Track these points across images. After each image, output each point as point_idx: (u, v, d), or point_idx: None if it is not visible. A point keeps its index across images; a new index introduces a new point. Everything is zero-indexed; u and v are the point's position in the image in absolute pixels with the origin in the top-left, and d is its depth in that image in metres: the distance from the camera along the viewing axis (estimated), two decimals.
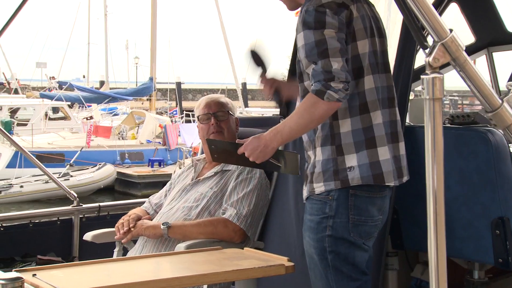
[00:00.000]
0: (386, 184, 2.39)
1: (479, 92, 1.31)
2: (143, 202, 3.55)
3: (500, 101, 1.33)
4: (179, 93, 34.67)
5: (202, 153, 3.51)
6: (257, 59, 2.76)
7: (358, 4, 2.37)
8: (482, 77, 1.31)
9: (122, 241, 3.17)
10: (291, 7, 2.60)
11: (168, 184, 3.54)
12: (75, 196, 4.01)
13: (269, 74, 2.76)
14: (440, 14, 3.81)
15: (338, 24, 2.27)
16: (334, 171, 2.36)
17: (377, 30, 2.43)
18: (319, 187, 2.39)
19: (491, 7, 3.82)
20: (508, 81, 3.88)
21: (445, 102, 28.58)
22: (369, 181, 2.35)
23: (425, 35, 1.34)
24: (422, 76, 1.29)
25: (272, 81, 2.75)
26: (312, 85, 2.26)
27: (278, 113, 3.64)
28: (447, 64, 1.31)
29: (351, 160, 2.36)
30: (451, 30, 1.28)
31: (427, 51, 1.27)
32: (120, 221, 3.19)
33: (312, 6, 2.28)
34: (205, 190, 3.21)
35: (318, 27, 2.26)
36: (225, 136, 3.25)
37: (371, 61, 2.38)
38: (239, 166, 3.21)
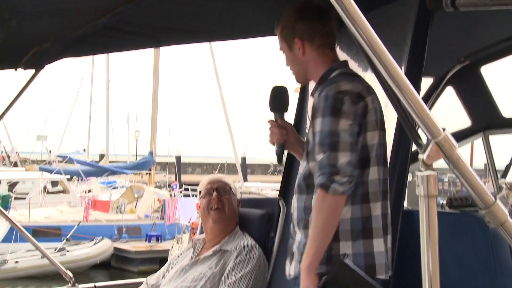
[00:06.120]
0: (377, 277, 2.36)
1: (473, 190, 1.34)
2: (140, 283, 3.52)
3: (493, 199, 1.35)
4: (179, 166, 34.77)
5: (202, 232, 3.51)
6: (279, 99, 2.69)
7: (373, 96, 2.42)
8: (475, 175, 1.34)
9: None
10: (301, 81, 2.67)
11: (166, 264, 3.52)
12: (70, 276, 3.96)
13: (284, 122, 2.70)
14: (437, 97, 3.90)
15: (354, 115, 2.31)
16: (328, 256, 2.34)
17: (381, 123, 2.47)
18: None
19: (485, 93, 3.92)
20: (501, 178, 3.92)
21: (444, 180, 28.60)
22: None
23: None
24: (416, 173, 1.32)
25: (285, 132, 2.70)
26: (318, 177, 2.28)
27: (278, 191, 3.66)
28: None
29: (346, 247, 2.35)
30: (444, 129, 1.32)
31: (421, 149, 1.31)
32: None
33: (332, 92, 2.33)
34: (204, 270, 3.20)
35: (335, 114, 2.29)
36: (225, 212, 3.28)
37: (378, 153, 2.41)
38: (237, 247, 3.21)
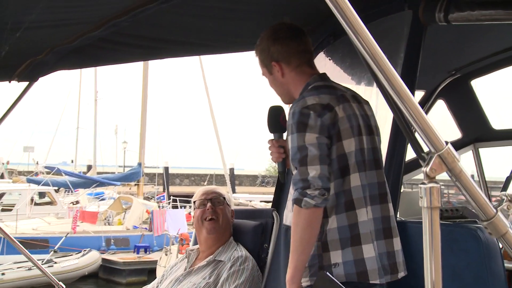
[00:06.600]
0: (371, 282, 2.39)
1: (475, 202, 1.37)
2: None
3: (495, 211, 1.38)
4: (167, 178, 34.68)
5: (196, 243, 3.52)
6: (274, 121, 2.74)
7: (345, 104, 2.44)
8: (477, 187, 1.37)
9: None
10: (287, 102, 2.70)
11: (159, 275, 3.53)
12: None
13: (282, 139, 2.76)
14: (428, 110, 3.95)
15: (320, 127, 2.34)
16: (320, 267, 2.39)
17: (366, 128, 2.49)
18: (305, 281, 2.41)
19: (476, 105, 3.97)
20: (501, 191, 3.99)
21: None
22: (353, 279, 2.37)
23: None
24: (420, 185, 1.35)
25: (283, 150, 2.76)
26: (293, 192, 2.33)
27: (271, 204, 3.67)
28: None
29: (337, 256, 2.39)
30: (446, 142, 1.35)
31: (424, 162, 1.34)
32: None
33: (298, 108, 2.37)
34: (198, 281, 3.21)
35: (301, 129, 2.34)
36: (220, 223, 3.29)
37: (358, 159, 2.43)
38: (231, 257, 3.23)
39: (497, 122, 4.07)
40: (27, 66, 3.45)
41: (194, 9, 3.02)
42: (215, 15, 3.10)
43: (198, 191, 3.47)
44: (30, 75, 3.56)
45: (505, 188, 4.00)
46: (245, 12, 3.13)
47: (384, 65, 1.24)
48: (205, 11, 3.06)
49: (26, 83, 3.64)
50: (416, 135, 1.39)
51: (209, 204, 3.33)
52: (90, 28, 2.98)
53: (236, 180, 44.88)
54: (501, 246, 2.83)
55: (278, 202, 3.60)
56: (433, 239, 1.31)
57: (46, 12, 2.60)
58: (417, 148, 1.36)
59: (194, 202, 3.43)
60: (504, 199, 1.48)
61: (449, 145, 1.32)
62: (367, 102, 2.62)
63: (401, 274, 2.49)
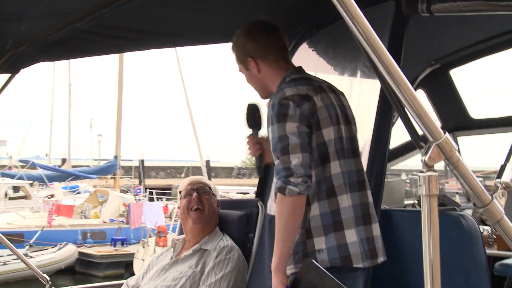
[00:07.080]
0: (354, 266, 2.44)
1: (471, 189, 1.42)
2: (120, 285, 3.54)
3: (490, 198, 1.44)
4: (143, 170, 34.48)
5: (181, 233, 3.54)
6: (251, 118, 2.82)
7: (323, 95, 2.51)
8: (473, 175, 1.42)
9: None
10: (264, 97, 2.74)
11: (145, 265, 3.54)
12: (47, 280, 3.94)
13: (259, 136, 2.86)
14: None
15: (299, 117, 2.39)
16: (304, 254, 2.43)
17: (343, 118, 2.56)
18: (290, 269, 2.45)
19: (455, 95, 4.03)
20: (496, 178, 4.07)
21: (406, 181, 28.90)
22: (337, 263, 2.42)
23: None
24: (419, 174, 1.40)
25: (259, 146, 2.84)
26: (276, 182, 2.38)
27: (255, 194, 3.70)
28: None
29: (320, 243, 2.43)
30: (444, 132, 1.39)
31: (422, 150, 1.39)
32: None
33: (277, 99, 2.42)
34: (185, 270, 3.23)
35: (281, 120, 2.39)
36: (205, 213, 3.31)
37: (337, 147, 2.49)
38: (217, 247, 3.25)
39: (476, 111, 4.14)
40: (8, 58, 3.42)
41: (178, 0, 3.03)
42: (200, 6, 3.11)
43: (184, 181, 3.49)
44: (12, 67, 3.53)
45: (499, 175, 4.09)
46: (230, 4, 3.15)
47: (383, 55, 1.27)
48: (189, 3, 3.07)
49: (8, 75, 3.61)
50: (414, 124, 1.42)
51: (195, 194, 3.35)
52: (73, 20, 2.97)
53: (212, 172, 44.75)
54: (481, 231, 2.89)
55: (262, 192, 3.63)
56: (431, 225, 1.35)
57: (30, 3, 2.59)
58: (416, 138, 1.40)
59: (180, 192, 3.44)
60: (499, 186, 1.53)
61: (447, 134, 1.37)
62: (342, 93, 2.69)
63: (381, 259, 2.55)
